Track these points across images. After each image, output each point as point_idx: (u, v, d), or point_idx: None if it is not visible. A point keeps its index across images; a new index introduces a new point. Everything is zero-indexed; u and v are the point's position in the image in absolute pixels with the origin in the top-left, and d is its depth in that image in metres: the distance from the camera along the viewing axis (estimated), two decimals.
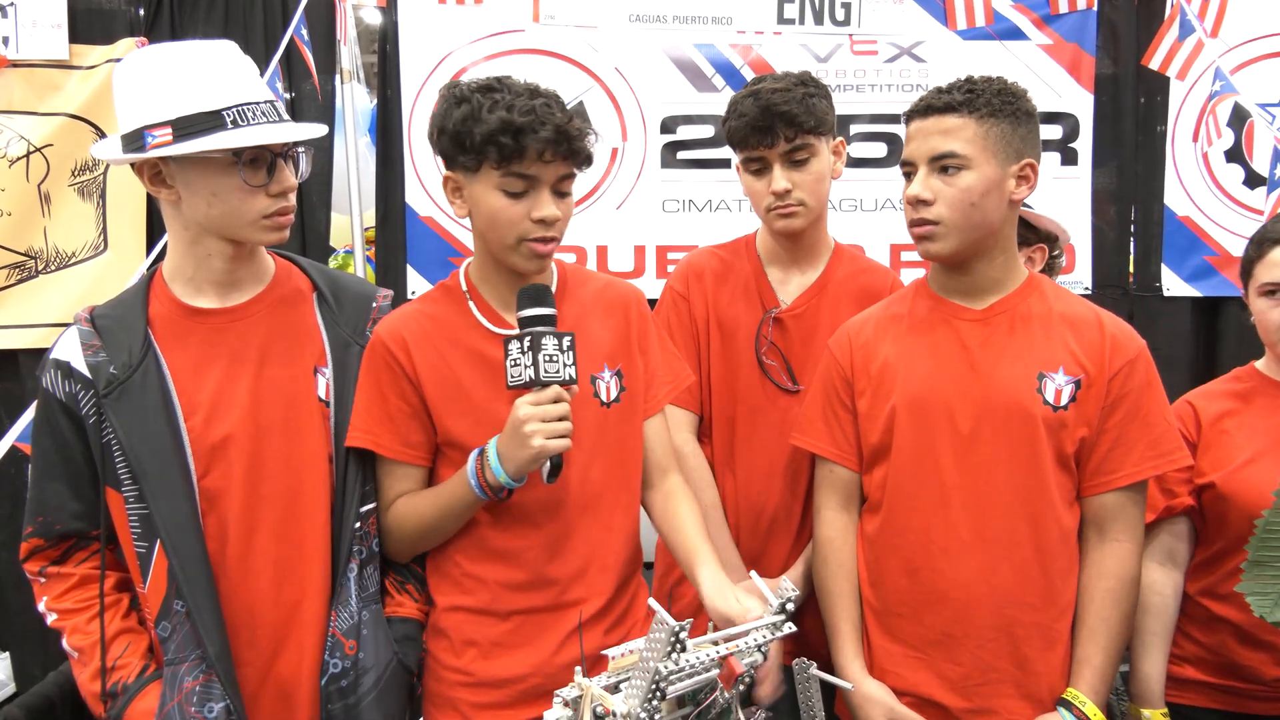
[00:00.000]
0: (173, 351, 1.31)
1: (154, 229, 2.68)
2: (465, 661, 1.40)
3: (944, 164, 1.40)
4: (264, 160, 1.28)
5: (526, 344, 1.28)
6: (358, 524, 1.35)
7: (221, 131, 1.24)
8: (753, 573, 1.20)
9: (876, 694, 1.48)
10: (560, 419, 1.28)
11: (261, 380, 1.33)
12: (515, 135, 1.27)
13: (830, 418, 1.56)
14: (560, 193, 1.35)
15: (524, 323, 1.30)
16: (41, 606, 1.33)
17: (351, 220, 2.96)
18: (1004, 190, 1.42)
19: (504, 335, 1.34)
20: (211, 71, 1.26)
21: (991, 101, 1.40)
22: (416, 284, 2.97)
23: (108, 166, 2.69)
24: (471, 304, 1.42)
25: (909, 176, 1.45)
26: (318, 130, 1.36)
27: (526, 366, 1.28)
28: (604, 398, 1.44)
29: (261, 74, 1.47)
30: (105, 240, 2.72)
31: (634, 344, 1.49)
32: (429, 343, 1.39)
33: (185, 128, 1.23)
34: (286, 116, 1.31)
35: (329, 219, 2.97)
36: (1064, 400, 1.41)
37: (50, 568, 1.32)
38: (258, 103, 1.27)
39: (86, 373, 1.28)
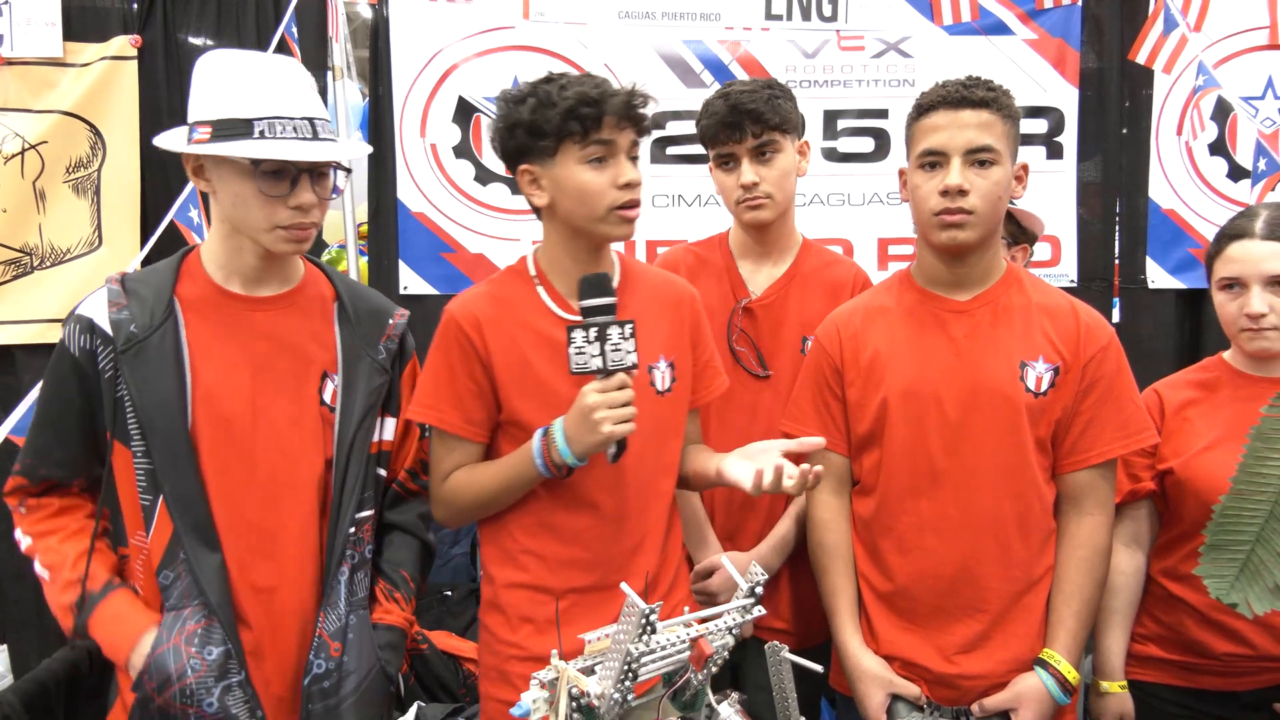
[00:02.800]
0: (193, 323, 1.36)
1: (147, 225, 2.71)
2: (521, 637, 1.47)
3: (980, 157, 1.45)
4: (288, 174, 1.32)
5: (593, 334, 1.34)
6: (352, 529, 1.39)
7: (247, 140, 1.29)
8: (723, 556, 1.24)
9: (872, 668, 1.55)
10: (625, 404, 1.35)
11: (269, 371, 1.37)
12: (593, 104, 1.36)
13: (821, 406, 1.61)
14: (632, 157, 1.43)
15: (587, 311, 1.36)
16: (17, 534, 1.39)
17: (344, 216, 2.99)
18: (1011, 188, 1.50)
19: (569, 321, 1.40)
20: (259, 81, 1.32)
21: (1008, 103, 1.48)
22: (408, 279, 3.00)
23: (102, 163, 2.72)
24: (540, 289, 1.49)
25: (933, 167, 1.47)
26: (338, 152, 1.39)
27: (594, 355, 1.34)
28: (659, 386, 1.51)
29: None
30: (100, 236, 2.74)
31: (687, 338, 1.56)
32: (500, 325, 1.46)
33: (221, 130, 1.30)
34: (328, 136, 1.36)
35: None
36: (1044, 387, 1.48)
37: (30, 499, 1.38)
38: (292, 118, 1.31)
39: (108, 329, 1.33)
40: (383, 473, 1.46)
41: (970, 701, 1.52)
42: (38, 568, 1.37)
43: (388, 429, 1.46)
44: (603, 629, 1.14)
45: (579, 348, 1.34)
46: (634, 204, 1.43)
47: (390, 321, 1.49)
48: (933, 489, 1.50)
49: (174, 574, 1.31)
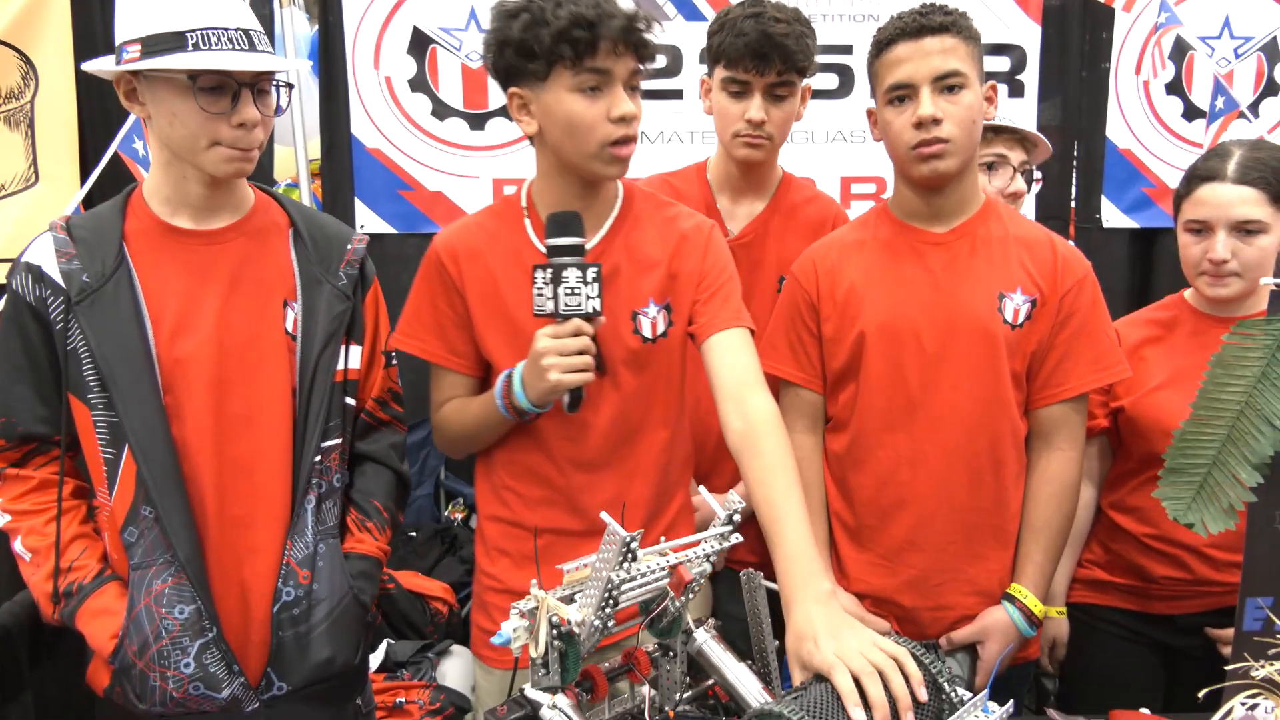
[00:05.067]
0: (145, 266, 1.31)
1: (87, 159, 2.59)
2: (498, 569, 1.47)
3: (949, 83, 1.42)
4: (227, 89, 1.26)
5: (549, 275, 1.28)
6: (317, 458, 1.37)
7: (180, 53, 1.22)
8: (701, 488, 1.24)
9: (845, 605, 1.54)
10: (580, 352, 1.29)
11: (229, 305, 1.33)
12: (589, 27, 1.26)
13: (795, 343, 1.60)
14: (632, 87, 1.34)
15: (552, 251, 1.31)
16: None
17: (295, 152, 2.89)
18: (983, 110, 1.47)
19: (535, 262, 1.34)
20: None
21: (967, 24, 1.45)
22: (365, 217, 2.92)
23: (34, 94, 2.58)
24: (528, 222, 1.43)
25: (901, 101, 1.45)
26: (281, 63, 1.34)
27: (549, 298, 1.29)
28: (646, 334, 1.43)
29: None
30: (36, 172, 2.62)
31: (689, 277, 1.44)
32: (480, 258, 1.42)
33: (152, 46, 1.23)
34: (264, 47, 1.29)
35: (271, 151, 2.90)
36: (1020, 319, 1.48)
37: (9, 469, 1.33)
38: (227, 29, 1.24)
39: (59, 279, 1.28)
40: (351, 402, 1.44)
41: (938, 634, 1.54)
42: (17, 546, 1.32)
43: (353, 357, 1.43)
44: (581, 559, 1.14)
45: (539, 289, 1.29)
46: (629, 139, 1.34)
47: (349, 247, 1.44)
48: (908, 423, 1.50)
49: (138, 531, 1.28)
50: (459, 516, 3.24)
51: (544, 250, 1.37)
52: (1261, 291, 1.61)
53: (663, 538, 1.06)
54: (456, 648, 2.54)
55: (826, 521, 1.61)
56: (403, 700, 2.18)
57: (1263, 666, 0.99)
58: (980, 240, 1.51)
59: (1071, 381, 1.50)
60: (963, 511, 1.51)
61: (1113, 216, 2.93)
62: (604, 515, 1.04)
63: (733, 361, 1.37)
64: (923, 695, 0.93)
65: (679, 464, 1.53)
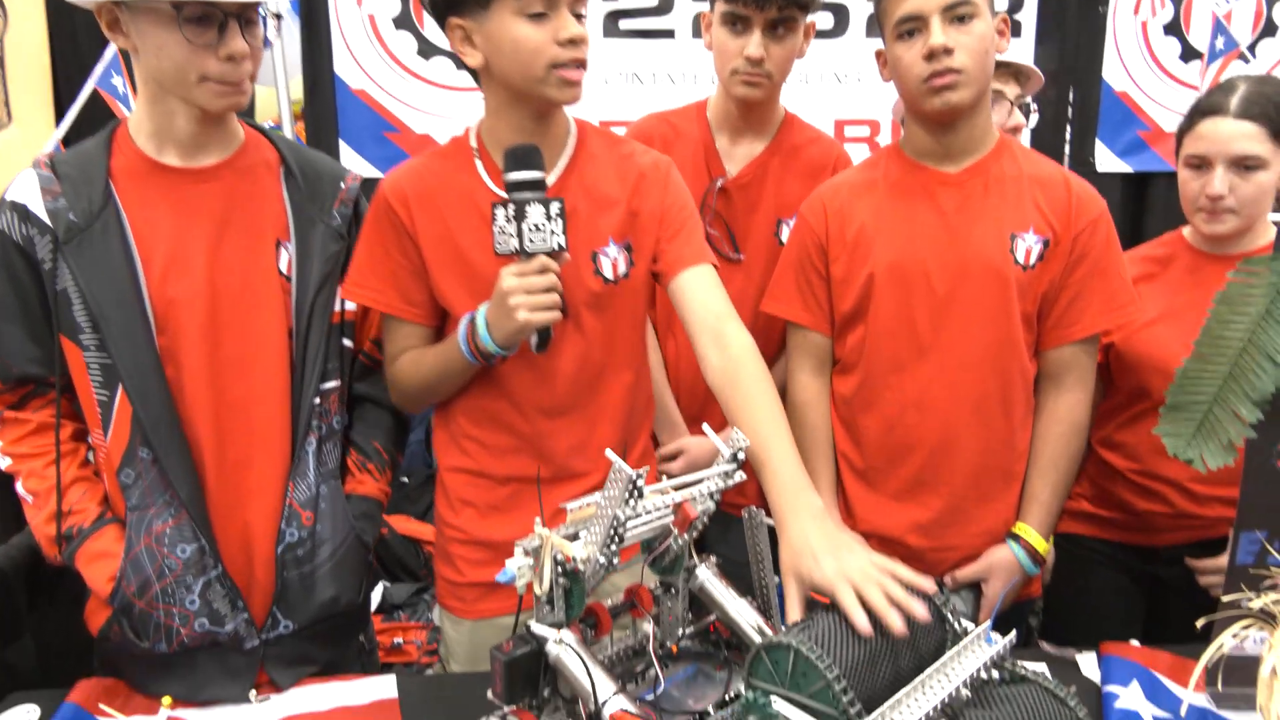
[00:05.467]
0: (133, 204, 1.27)
1: (61, 99, 2.52)
2: (462, 520, 1.45)
3: (959, 12, 1.38)
4: (213, 19, 1.21)
5: (511, 211, 1.24)
6: (317, 400, 1.35)
7: None
8: (705, 425, 1.24)
9: None
10: (547, 290, 1.26)
11: (221, 245, 1.30)
12: None
13: (803, 284, 1.58)
14: (577, 14, 1.29)
15: (511, 186, 1.26)
16: None
17: (277, 93, 2.82)
18: (995, 42, 1.44)
19: (492, 201, 1.29)
20: None
21: None
22: (351, 161, 2.87)
23: (3, 31, 2.50)
24: (479, 163, 1.38)
25: (911, 35, 1.42)
26: None
27: (511, 235, 1.25)
28: (608, 274, 1.40)
29: None
30: (8, 113, 2.55)
31: (649, 216, 1.42)
32: (431, 201, 1.37)
33: None
34: None
35: (252, 92, 2.82)
36: (1033, 260, 1.46)
37: (7, 412, 1.31)
38: None
39: (45, 218, 1.24)
40: (349, 344, 1.42)
41: (943, 573, 1.56)
42: (19, 489, 1.31)
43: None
44: (585, 498, 1.14)
45: (500, 227, 1.25)
46: (579, 63, 1.30)
47: (342, 185, 1.41)
48: (917, 364, 1.50)
49: (135, 473, 1.27)
50: None
51: (499, 190, 1.34)
52: (1259, 228, 1.62)
53: (664, 476, 1.06)
54: None
55: (834, 464, 1.62)
56: (400, 641, 2.20)
57: (1261, 597, 1.00)
58: (993, 179, 1.48)
59: (1083, 322, 1.49)
60: (971, 453, 1.51)
61: (1106, 160, 2.92)
62: (608, 453, 1.04)
63: (704, 299, 1.37)
64: (921, 612, 0.94)
65: (641, 407, 1.52)
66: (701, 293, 1.38)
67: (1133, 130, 2.90)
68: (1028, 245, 1.46)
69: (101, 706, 1.19)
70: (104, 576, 1.26)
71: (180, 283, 1.27)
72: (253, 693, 1.28)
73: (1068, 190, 1.48)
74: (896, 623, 0.91)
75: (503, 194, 1.32)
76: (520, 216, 1.24)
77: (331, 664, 1.38)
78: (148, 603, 1.25)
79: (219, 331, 1.29)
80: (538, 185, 1.26)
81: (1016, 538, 1.54)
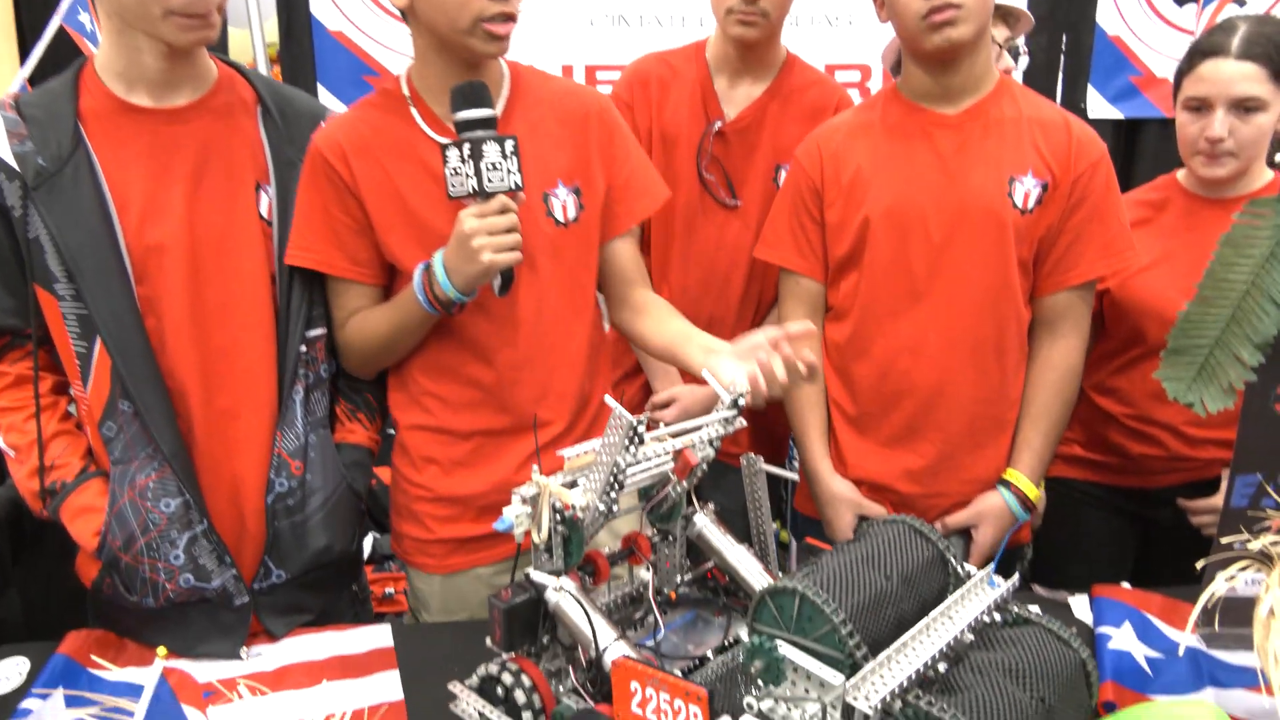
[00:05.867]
0: (104, 148, 1.22)
1: (25, 38, 2.42)
2: (426, 478, 1.42)
3: None
4: None
5: (466, 151, 1.20)
6: (303, 348, 1.32)
7: None
8: (705, 370, 1.22)
9: (843, 491, 1.57)
10: (508, 230, 1.22)
11: (199, 189, 1.25)
12: None
13: (797, 230, 1.56)
14: None
15: (461, 126, 1.22)
16: None
17: (251, 35, 2.73)
18: None
19: (441, 143, 1.25)
20: None
21: None
22: (329, 105, 2.79)
23: None
24: (414, 110, 1.33)
25: None
26: None
27: (468, 176, 1.20)
28: (559, 217, 1.37)
29: None
30: None
31: (595, 159, 1.40)
32: (369, 153, 1.31)
33: None
34: None
35: (225, 33, 2.73)
36: (1031, 204, 1.44)
37: None
38: None
39: (12, 162, 1.19)
40: None
41: (933, 519, 1.56)
42: (1, 444, 1.27)
43: None
44: (582, 445, 1.13)
45: (454, 169, 1.20)
46: (508, 17, 1.25)
47: (322, 125, 1.35)
48: (912, 310, 1.48)
49: (116, 426, 1.24)
50: None
51: (438, 137, 1.30)
52: (1255, 171, 1.61)
53: (645, 420, 1.02)
54: None
55: (825, 411, 1.61)
56: (392, 591, 2.20)
57: (1260, 539, 1.01)
58: (992, 121, 1.46)
59: (1080, 268, 1.48)
60: (964, 400, 1.50)
61: (1098, 106, 2.89)
62: (608, 399, 1.02)
63: (624, 262, 1.47)
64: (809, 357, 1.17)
65: (598, 354, 1.50)
66: (631, 260, 1.48)
67: (1125, 75, 2.87)
68: (1026, 189, 1.44)
69: (94, 658, 1.18)
70: (89, 531, 1.24)
71: (158, 229, 1.23)
72: (244, 650, 1.26)
73: (1068, 132, 1.46)
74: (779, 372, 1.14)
75: (442, 140, 1.29)
76: (477, 155, 1.19)
77: (325, 613, 1.38)
78: (133, 557, 1.23)
79: (200, 279, 1.25)
80: (489, 123, 1.21)
81: (1007, 484, 1.54)
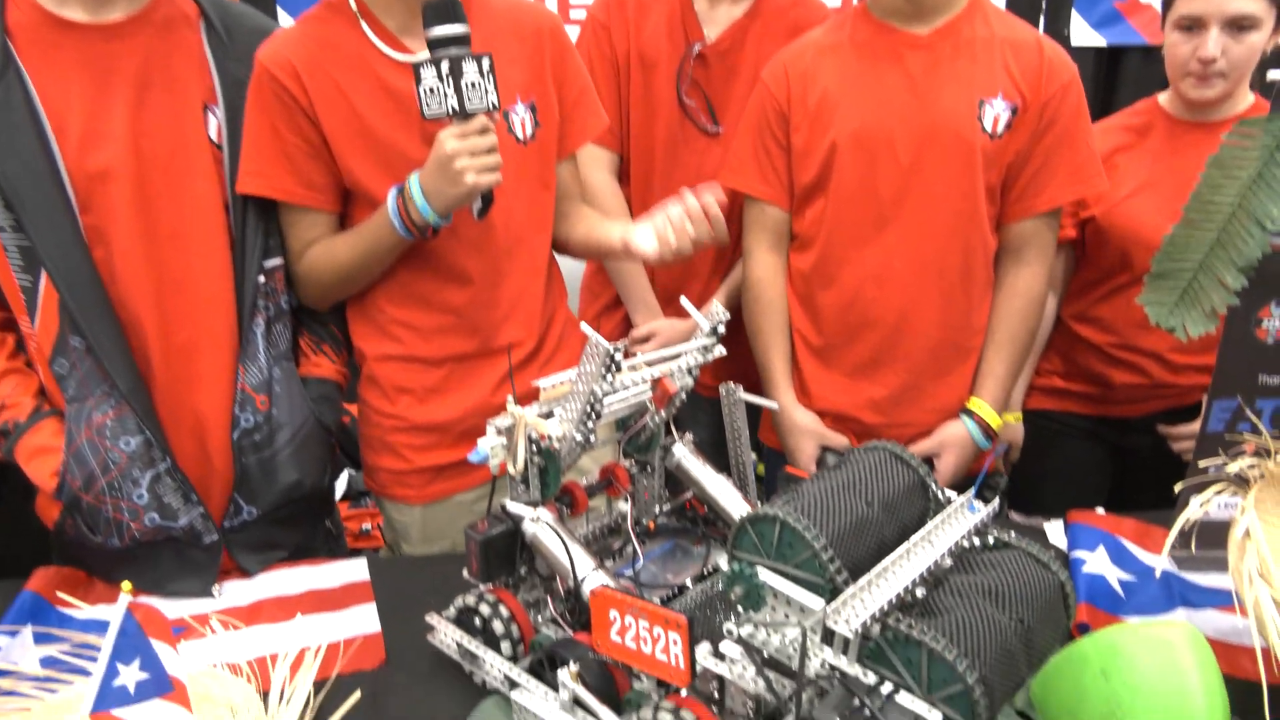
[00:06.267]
0: (37, 67, 1.14)
1: None
2: (400, 408, 1.39)
3: None
4: None
5: (445, 69, 1.15)
6: (261, 278, 1.27)
7: None
8: (683, 297, 1.20)
9: (806, 422, 1.56)
10: (490, 150, 1.19)
11: (143, 110, 1.18)
12: None
13: (762, 155, 1.52)
14: None
15: (435, 44, 1.16)
16: None
17: None
18: None
19: (412, 61, 1.20)
20: None
21: None
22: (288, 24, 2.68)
23: None
24: (365, 26, 1.26)
25: None
26: None
27: (448, 95, 1.16)
28: (520, 135, 1.34)
29: None
30: None
31: (548, 76, 1.37)
32: (322, 71, 1.24)
33: None
34: None
35: None
36: (1000, 128, 1.41)
37: None
38: None
39: None
40: None
41: None
42: None
43: None
44: (558, 375, 1.11)
45: (429, 87, 1.16)
46: None
47: (265, 42, 1.27)
48: (878, 237, 1.46)
49: (68, 363, 1.19)
50: None
51: (393, 53, 1.25)
52: (1238, 94, 1.59)
53: (622, 348, 1.00)
54: None
55: (789, 341, 1.59)
56: (369, 527, 2.19)
57: (1237, 461, 1.01)
58: (964, 41, 1.42)
59: (1047, 194, 1.46)
60: (929, 329, 1.49)
61: (1081, 33, 2.83)
62: (584, 327, 1.00)
63: (565, 184, 1.47)
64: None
65: (557, 275, 1.49)
66: (571, 180, 1.48)
67: (1108, 1, 2.81)
68: (996, 112, 1.41)
69: (62, 595, 1.15)
70: (46, 472, 1.19)
71: (100, 154, 1.15)
72: (215, 588, 1.25)
73: (1040, 54, 1.42)
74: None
75: (402, 58, 1.25)
76: (457, 74, 1.15)
77: (299, 548, 1.36)
78: (95, 497, 1.19)
79: (149, 206, 1.18)
80: (464, 40, 1.17)
81: (970, 413, 1.53)
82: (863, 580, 0.81)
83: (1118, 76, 2.88)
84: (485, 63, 1.17)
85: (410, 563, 1.42)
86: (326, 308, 1.39)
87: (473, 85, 1.16)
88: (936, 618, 0.79)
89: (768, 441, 1.70)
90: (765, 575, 0.82)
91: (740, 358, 1.70)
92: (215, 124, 1.23)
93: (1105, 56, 2.87)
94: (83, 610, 1.14)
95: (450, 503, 1.43)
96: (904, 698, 0.74)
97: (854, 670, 0.77)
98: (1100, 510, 1.39)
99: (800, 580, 0.82)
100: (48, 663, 1.07)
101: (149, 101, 1.18)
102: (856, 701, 0.74)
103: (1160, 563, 1.22)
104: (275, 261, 1.30)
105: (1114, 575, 1.22)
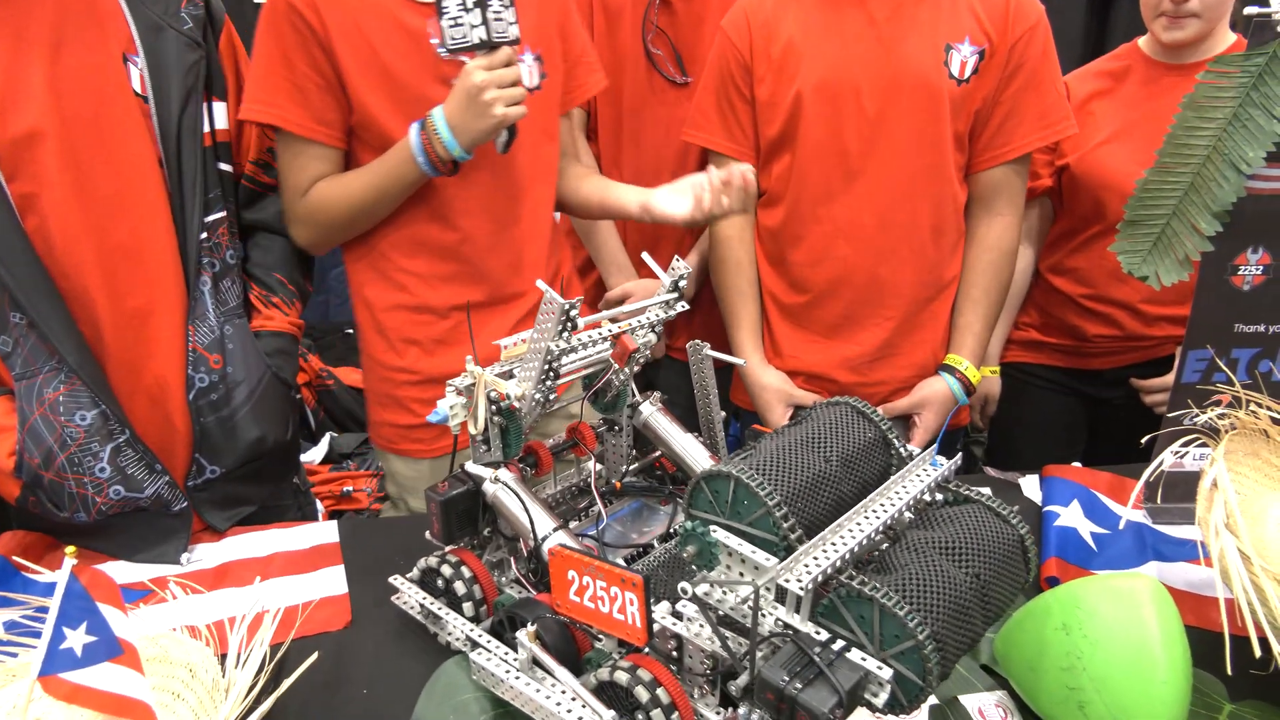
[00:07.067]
0: None
1: None
2: (408, 360, 1.39)
3: None
4: None
5: (471, 1, 1.15)
6: (204, 235, 1.23)
7: None
8: (644, 254, 1.17)
9: (773, 381, 1.55)
10: (514, 83, 1.19)
11: (59, 68, 1.12)
12: None
13: (726, 109, 1.48)
14: None
15: None
16: None
17: None
18: None
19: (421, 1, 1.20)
20: None
21: None
22: None
23: None
24: None
25: None
26: None
27: (474, 25, 1.15)
28: (527, 82, 1.31)
29: None
30: None
31: (554, 28, 1.37)
32: (341, 5, 1.23)
33: None
34: None
35: None
36: (967, 73, 1.37)
37: None
38: None
39: None
40: (227, 168, 1.29)
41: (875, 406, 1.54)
42: None
43: (219, 116, 1.25)
44: (517, 335, 1.08)
45: (454, 19, 1.15)
46: None
47: None
48: (845, 192, 1.43)
49: (11, 340, 1.14)
50: None
51: None
52: (1218, 35, 1.54)
53: (577, 304, 0.98)
54: None
55: (758, 303, 1.57)
56: (350, 489, 2.19)
57: (1208, 412, 0.99)
58: None
59: (1015, 141, 1.42)
60: (902, 284, 1.47)
61: None
62: (539, 283, 0.97)
63: (562, 139, 1.47)
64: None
65: (559, 228, 1.51)
66: (567, 136, 1.48)
67: None
68: (963, 57, 1.37)
69: (23, 561, 1.14)
70: (3, 452, 1.16)
71: (21, 118, 1.10)
72: (185, 555, 1.24)
73: None
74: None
75: None
76: (484, 5, 1.15)
77: (267, 506, 1.35)
78: (56, 474, 1.16)
79: (81, 169, 1.14)
80: None
81: (950, 369, 1.52)
82: (818, 537, 0.79)
83: (1108, 23, 2.81)
84: None
85: (382, 525, 1.42)
86: (322, 251, 1.39)
87: (497, 16, 1.16)
88: (891, 574, 0.78)
89: (740, 403, 1.68)
90: (718, 534, 0.80)
91: (715, 321, 1.69)
92: (138, 74, 1.17)
93: (1095, 6, 2.81)
94: (45, 575, 1.13)
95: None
96: (855, 654, 0.73)
97: (806, 628, 0.76)
98: (1076, 464, 1.38)
99: (755, 538, 0.81)
100: (10, 626, 1.06)
101: (66, 57, 1.13)
102: (807, 659, 0.73)
103: (1127, 514, 1.20)
104: (216, 215, 1.26)
105: (1086, 529, 1.21)
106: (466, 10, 1.14)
